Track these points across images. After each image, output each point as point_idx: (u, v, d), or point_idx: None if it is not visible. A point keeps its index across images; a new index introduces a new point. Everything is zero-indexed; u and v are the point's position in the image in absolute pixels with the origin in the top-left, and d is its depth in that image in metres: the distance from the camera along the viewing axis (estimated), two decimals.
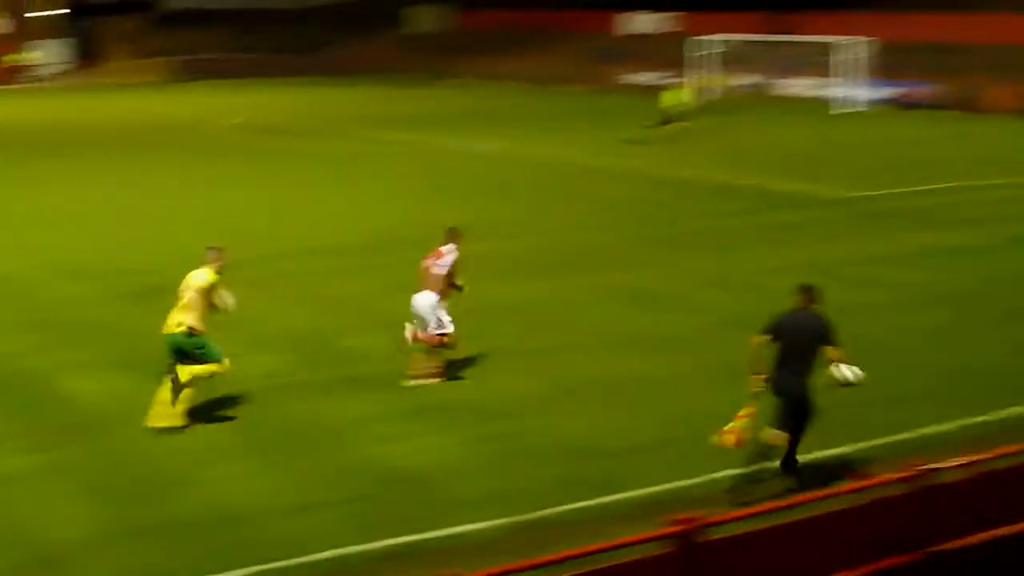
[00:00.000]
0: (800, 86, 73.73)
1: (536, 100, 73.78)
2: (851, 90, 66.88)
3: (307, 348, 21.52)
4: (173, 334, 17.31)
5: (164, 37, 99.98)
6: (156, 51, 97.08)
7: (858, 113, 64.16)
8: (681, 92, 51.24)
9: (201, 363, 17.35)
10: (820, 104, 67.90)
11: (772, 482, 15.14)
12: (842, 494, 12.12)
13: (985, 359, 20.46)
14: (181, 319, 17.26)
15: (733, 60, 74.94)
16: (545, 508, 14.75)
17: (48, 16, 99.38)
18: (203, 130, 56.75)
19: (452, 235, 19.34)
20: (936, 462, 12.73)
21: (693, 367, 20.16)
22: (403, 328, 19.43)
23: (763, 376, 15.07)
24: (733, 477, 15.08)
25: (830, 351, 14.98)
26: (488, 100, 74.17)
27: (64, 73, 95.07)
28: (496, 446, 16.93)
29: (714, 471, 15.59)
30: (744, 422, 15.27)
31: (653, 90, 77.66)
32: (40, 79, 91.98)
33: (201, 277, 17.47)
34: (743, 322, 22.55)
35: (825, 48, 69.25)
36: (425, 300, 19.02)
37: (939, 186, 38.70)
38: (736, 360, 20.12)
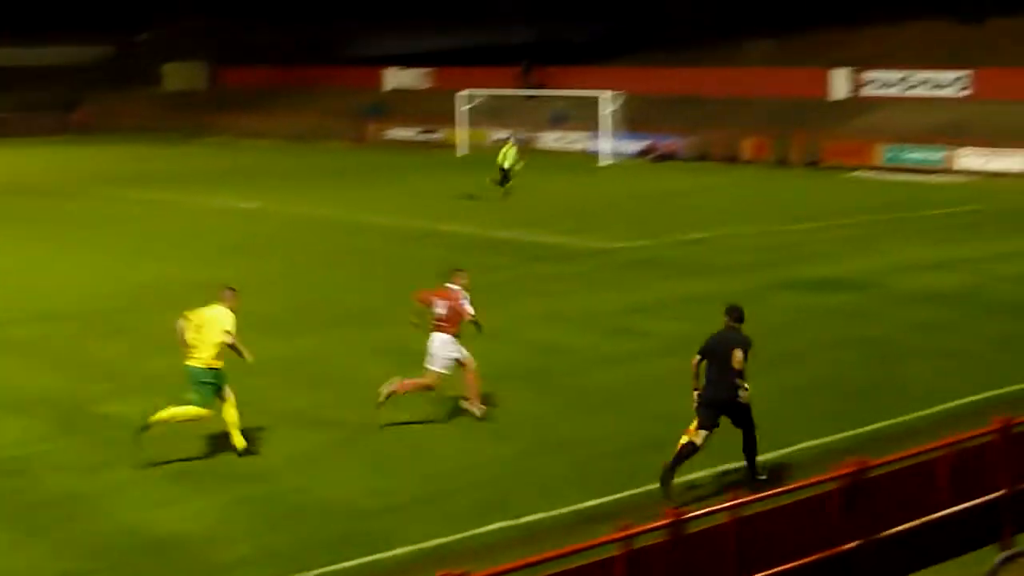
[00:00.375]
0: (560, 140, 74.71)
1: (297, 157, 73.27)
2: (609, 143, 67.95)
3: (61, 414, 20.75)
4: (195, 366, 18.26)
5: None
6: None
7: (618, 165, 65.18)
8: (512, 149, 51.31)
9: (199, 400, 18.27)
10: (581, 157, 69.00)
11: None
12: (601, 544, 12.04)
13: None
14: (205, 354, 18.27)
15: (495, 114, 75.69)
16: (310, 569, 14.44)
17: None
18: None
19: (458, 275, 20.39)
20: (695, 509, 12.86)
21: (459, 422, 20.00)
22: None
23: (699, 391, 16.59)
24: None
25: (735, 353, 16.47)
26: (248, 157, 73.43)
27: None
28: (260, 508, 16.54)
29: (477, 526, 15.50)
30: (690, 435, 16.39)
31: (413, 145, 78.43)
32: None
33: (224, 316, 18.44)
34: (511, 375, 22.63)
35: (583, 102, 70.43)
36: (439, 340, 19.70)
37: (699, 236, 39.44)
38: (501, 413, 20.16)
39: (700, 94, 74.48)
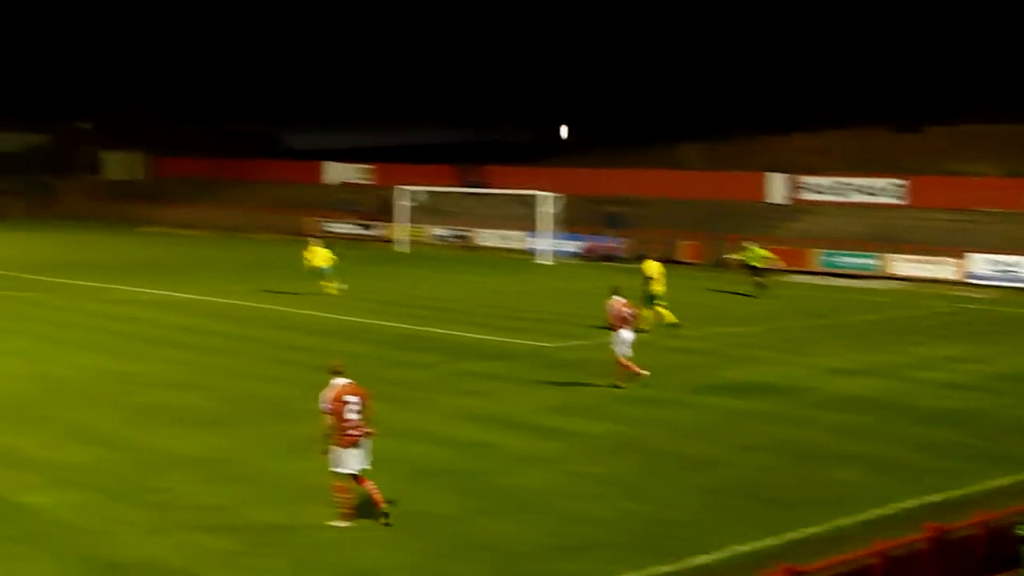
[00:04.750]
0: (497, 237, 74.79)
1: (232, 249, 72.89)
2: (545, 242, 68.09)
3: None
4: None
5: None
6: None
7: (555, 264, 65.23)
8: (757, 249, 52.74)
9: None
10: (517, 255, 69.04)
11: None
12: None
13: (674, 508, 20.53)
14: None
15: (430, 211, 75.87)
16: None
17: None
18: None
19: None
20: None
21: (374, 524, 19.60)
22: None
23: None
24: None
25: None
26: (182, 248, 73.05)
27: None
28: None
29: None
30: None
31: (351, 239, 78.22)
32: None
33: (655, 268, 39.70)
34: (432, 473, 22.33)
35: (520, 201, 70.66)
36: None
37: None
38: (419, 514, 19.77)
39: (637, 195, 74.84)
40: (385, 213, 78.31)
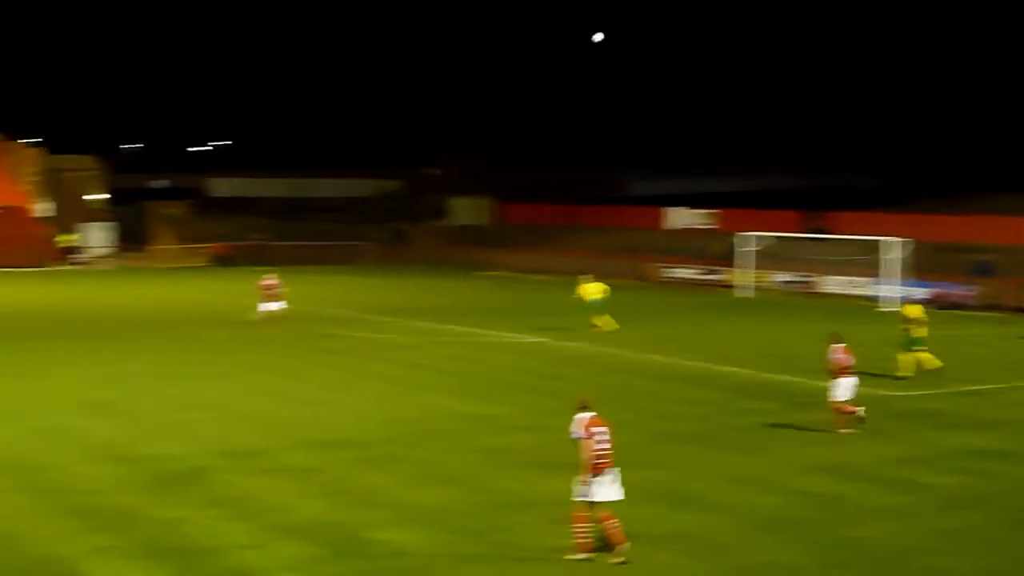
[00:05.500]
0: (842, 284, 73.67)
1: (571, 294, 73.59)
2: (891, 289, 66.82)
3: (335, 539, 21.11)
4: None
5: (210, 222, 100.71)
6: (201, 236, 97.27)
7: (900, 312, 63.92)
8: None
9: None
10: (862, 302, 67.91)
11: None
12: None
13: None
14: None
15: (773, 257, 75.31)
16: None
17: (92, 200, 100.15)
18: (237, 317, 55.77)
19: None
20: None
21: (723, 569, 19.63)
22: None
23: None
24: None
25: None
26: (527, 293, 74.29)
27: (107, 257, 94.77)
28: None
29: None
30: None
31: (692, 285, 78.27)
32: (83, 262, 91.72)
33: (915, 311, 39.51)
34: (776, 522, 22.24)
35: (865, 247, 69.50)
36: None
37: (980, 387, 38.35)
38: (764, 565, 19.68)
39: (987, 242, 72.78)
40: (727, 258, 78.18)
